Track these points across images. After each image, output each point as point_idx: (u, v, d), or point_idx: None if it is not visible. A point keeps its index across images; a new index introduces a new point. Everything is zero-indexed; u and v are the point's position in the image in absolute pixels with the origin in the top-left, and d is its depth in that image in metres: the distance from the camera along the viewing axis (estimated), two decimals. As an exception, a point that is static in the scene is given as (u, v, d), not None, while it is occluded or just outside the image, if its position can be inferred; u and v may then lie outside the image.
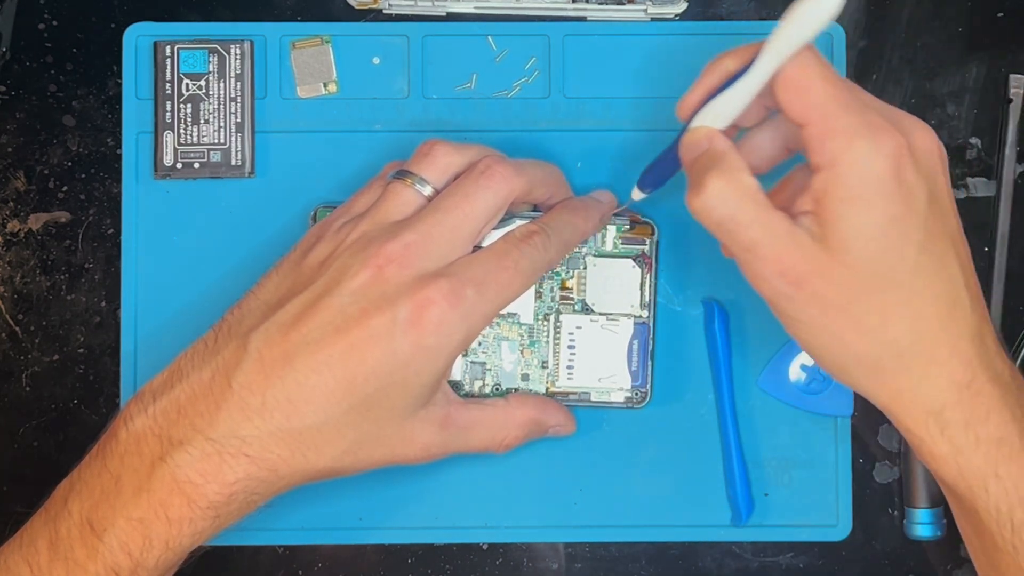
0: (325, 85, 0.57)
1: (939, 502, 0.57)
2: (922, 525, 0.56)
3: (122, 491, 0.45)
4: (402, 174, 0.49)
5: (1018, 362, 0.57)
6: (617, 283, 0.55)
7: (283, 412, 0.45)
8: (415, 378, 0.46)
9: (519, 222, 0.51)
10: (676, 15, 0.57)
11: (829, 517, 0.57)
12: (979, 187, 0.58)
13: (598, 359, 0.55)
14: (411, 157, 0.50)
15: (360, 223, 0.48)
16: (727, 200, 0.43)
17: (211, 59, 0.56)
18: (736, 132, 0.47)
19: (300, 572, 0.57)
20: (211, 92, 0.56)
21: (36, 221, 0.58)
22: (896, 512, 0.58)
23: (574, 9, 0.57)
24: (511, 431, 0.52)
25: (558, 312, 0.55)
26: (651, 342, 0.55)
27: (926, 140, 0.43)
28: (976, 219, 0.58)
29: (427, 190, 0.49)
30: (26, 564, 0.45)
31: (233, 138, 0.56)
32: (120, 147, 0.57)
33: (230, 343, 0.47)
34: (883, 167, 0.41)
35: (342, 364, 0.45)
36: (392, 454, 0.48)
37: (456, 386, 0.55)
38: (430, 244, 0.47)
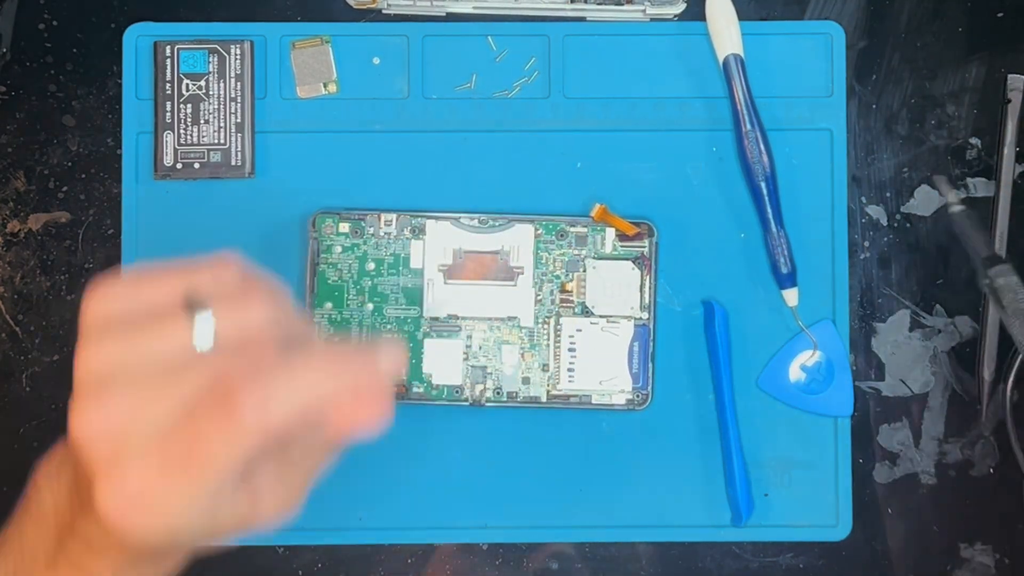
0: (325, 85, 0.57)
1: None
2: None
3: (36, 560, 0.41)
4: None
5: (1017, 363, 0.57)
6: (617, 285, 0.55)
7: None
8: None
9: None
10: (675, 16, 0.57)
11: (829, 517, 0.57)
12: (979, 187, 0.58)
13: (599, 362, 0.55)
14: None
15: None
16: None
17: (211, 59, 0.56)
18: None
19: (300, 572, 0.57)
20: (211, 92, 0.56)
21: (36, 221, 0.58)
22: (896, 512, 0.58)
23: (573, 9, 0.57)
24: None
25: (558, 315, 0.55)
26: (651, 344, 0.55)
27: None
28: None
29: None
30: None
31: (233, 138, 0.56)
32: (120, 147, 0.57)
33: None
34: None
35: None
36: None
37: (458, 390, 0.55)
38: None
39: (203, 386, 0.35)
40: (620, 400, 0.55)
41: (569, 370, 0.55)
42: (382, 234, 0.56)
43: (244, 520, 0.38)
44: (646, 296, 0.55)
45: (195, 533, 0.37)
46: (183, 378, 0.35)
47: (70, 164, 0.58)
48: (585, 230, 0.56)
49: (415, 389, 0.56)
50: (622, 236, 0.55)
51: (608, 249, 0.55)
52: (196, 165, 0.56)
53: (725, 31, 0.56)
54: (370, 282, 0.56)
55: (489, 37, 0.57)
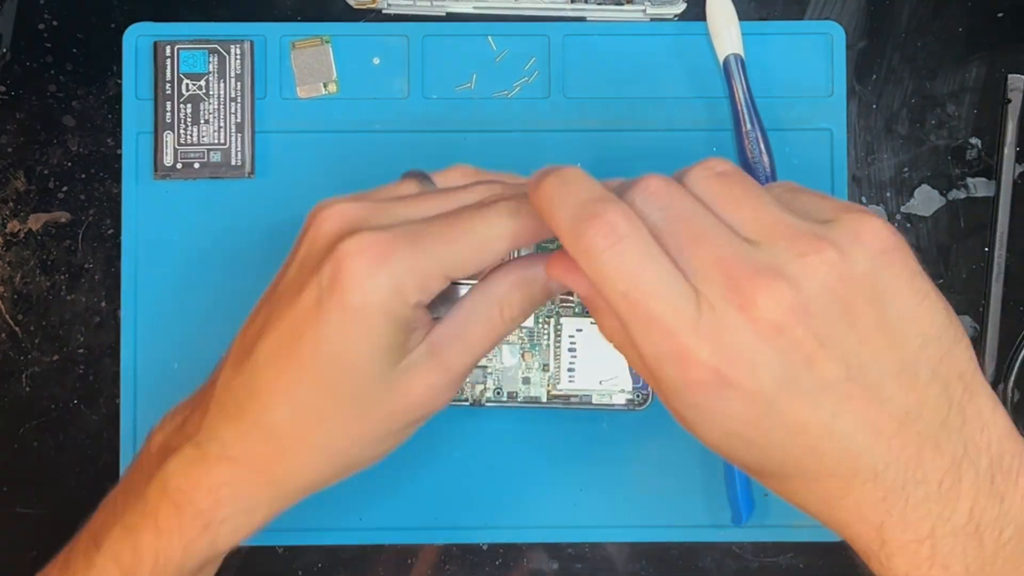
0: (325, 85, 0.57)
1: None
2: None
3: (125, 502, 0.44)
4: (414, 174, 0.46)
5: (1018, 363, 0.57)
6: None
7: (253, 407, 0.41)
8: (363, 343, 0.40)
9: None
10: (675, 15, 0.57)
11: (829, 517, 0.57)
12: (979, 187, 0.58)
13: (599, 362, 0.55)
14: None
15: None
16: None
17: (211, 59, 0.56)
18: None
19: (300, 572, 0.57)
20: (211, 92, 0.56)
21: (36, 221, 0.58)
22: (895, 512, 0.58)
23: (573, 9, 0.57)
24: (501, 301, 0.43)
25: (558, 315, 0.55)
26: (651, 344, 0.55)
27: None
28: (976, 219, 0.58)
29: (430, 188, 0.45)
30: None
31: (233, 138, 0.56)
32: (120, 147, 0.57)
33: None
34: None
35: (285, 347, 0.40)
36: (393, 415, 0.42)
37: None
38: (378, 210, 0.41)
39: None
40: (620, 400, 0.55)
41: (569, 370, 0.55)
42: (382, 234, 0.56)
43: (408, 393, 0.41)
44: (646, 296, 0.55)
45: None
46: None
47: (70, 164, 0.58)
48: (585, 230, 0.56)
49: (415, 389, 0.56)
50: None
51: (608, 249, 0.55)
52: (196, 165, 0.56)
53: (725, 31, 0.56)
54: (370, 282, 0.56)
55: (489, 37, 0.57)
